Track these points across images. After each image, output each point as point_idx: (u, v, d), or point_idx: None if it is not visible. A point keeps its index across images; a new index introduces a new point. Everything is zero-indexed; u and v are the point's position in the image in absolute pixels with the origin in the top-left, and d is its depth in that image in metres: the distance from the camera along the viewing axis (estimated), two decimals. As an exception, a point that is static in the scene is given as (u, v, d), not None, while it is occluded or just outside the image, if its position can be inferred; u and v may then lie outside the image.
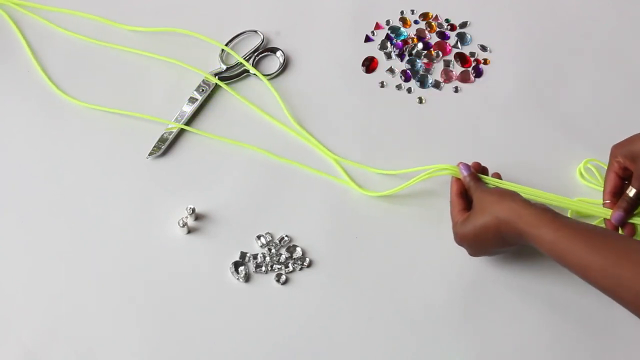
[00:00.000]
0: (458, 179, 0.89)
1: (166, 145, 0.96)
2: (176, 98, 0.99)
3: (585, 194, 0.94)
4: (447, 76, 1.03)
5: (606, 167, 0.89)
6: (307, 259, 0.89)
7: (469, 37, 1.06)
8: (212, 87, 1.00)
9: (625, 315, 0.72)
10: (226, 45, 1.04)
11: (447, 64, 1.04)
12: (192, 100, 0.99)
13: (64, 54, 1.03)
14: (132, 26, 1.04)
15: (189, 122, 0.98)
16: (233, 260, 0.89)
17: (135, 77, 1.01)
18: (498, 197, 0.82)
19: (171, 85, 1.01)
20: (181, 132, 0.97)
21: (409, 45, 1.05)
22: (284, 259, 0.89)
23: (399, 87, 1.02)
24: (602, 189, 0.89)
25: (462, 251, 0.88)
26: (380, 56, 1.04)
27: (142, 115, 0.97)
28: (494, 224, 0.80)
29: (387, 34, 1.06)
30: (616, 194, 0.88)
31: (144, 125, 0.97)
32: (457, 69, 1.04)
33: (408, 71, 1.03)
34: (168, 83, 1.01)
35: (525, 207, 0.78)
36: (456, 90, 1.02)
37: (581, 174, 0.95)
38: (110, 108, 0.97)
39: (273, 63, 1.04)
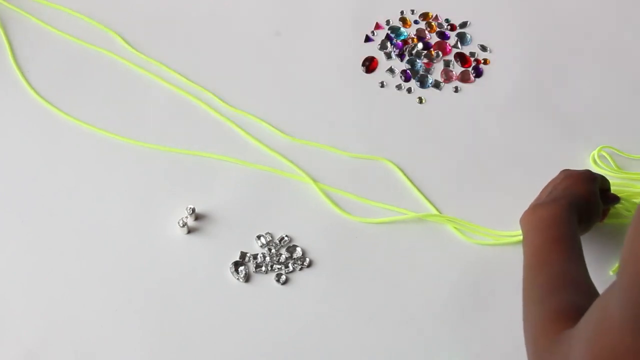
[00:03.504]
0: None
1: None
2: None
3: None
4: (447, 76, 1.03)
5: (606, 169, 0.88)
6: (307, 259, 0.89)
7: (469, 37, 1.06)
8: (212, 87, 1.01)
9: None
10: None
11: (447, 64, 1.04)
12: (192, 100, 0.99)
13: (63, 54, 1.03)
14: (134, 49, 1.04)
15: (189, 122, 0.98)
16: (233, 260, 0.89)
17: (136, 79, 1.01)
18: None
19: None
20: (181, 132, 0.98)
21: (409, 45, 1.05)
22: (284, 259, 0.89)
23: (399, 87, 1.02)
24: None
25: (462, 251, 0.88)
26: (380, 56, 1.04)
27: (137, 142, 0.98)
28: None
29: (387, 34, 1.06)
30: None
31: (144, 125, 0.97)
32: (457, 69, 1.04)
33: (408, 71, 1.03)
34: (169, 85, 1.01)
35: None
36: (456, 90, 1.02)
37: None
38: (100, 129, 0.97)
39: (273, 63, 1.04)
